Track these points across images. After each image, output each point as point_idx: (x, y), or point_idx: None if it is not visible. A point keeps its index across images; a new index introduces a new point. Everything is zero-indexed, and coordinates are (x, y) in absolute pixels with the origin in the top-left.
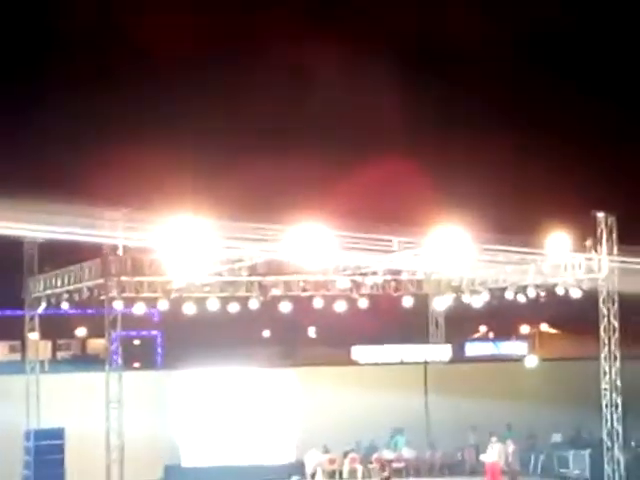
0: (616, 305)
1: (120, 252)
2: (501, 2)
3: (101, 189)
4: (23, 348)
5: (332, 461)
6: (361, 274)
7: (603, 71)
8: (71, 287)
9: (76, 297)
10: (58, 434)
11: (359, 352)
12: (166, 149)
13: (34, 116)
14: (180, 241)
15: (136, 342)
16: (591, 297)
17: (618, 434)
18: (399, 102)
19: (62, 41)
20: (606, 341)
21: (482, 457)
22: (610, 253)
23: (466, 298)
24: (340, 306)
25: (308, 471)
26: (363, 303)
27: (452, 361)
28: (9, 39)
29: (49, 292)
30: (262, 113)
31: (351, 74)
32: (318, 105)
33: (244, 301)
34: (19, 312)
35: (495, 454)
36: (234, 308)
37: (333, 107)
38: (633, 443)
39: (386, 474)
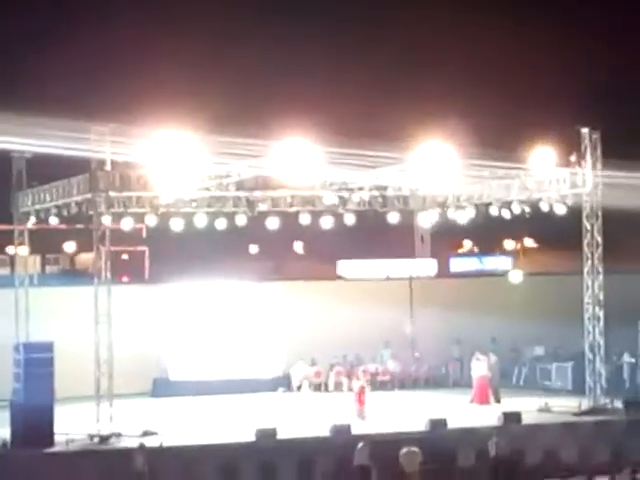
0: (599, 220)
1: (108, 167)
2: None
3: (88, 104)
4: (12, 262)
5: (318, 374)
6: (348, 190)
7: None
8: (59, 202)
9: (65, 212)
10: (47, 347)
11: (345, 267)
12: (154, 63)
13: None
14: (168, 156)
15: (124, 257)
16: (575, 213)
17: (600, 347)
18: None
19: None
20: (589, 255)
21: (473, 372)
22: (594, 168)
23: (451, 214)
24: (327, 222)
25: (294, 384)
26: (350, 219)
27: (437, 276)
28: None
29: (38, 207)
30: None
31: None
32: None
33: (231, 217)
34: (7, 227)
35: (484, 367)
36: (221, 224)
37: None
38: (615, 357)
39: (361, 383)
